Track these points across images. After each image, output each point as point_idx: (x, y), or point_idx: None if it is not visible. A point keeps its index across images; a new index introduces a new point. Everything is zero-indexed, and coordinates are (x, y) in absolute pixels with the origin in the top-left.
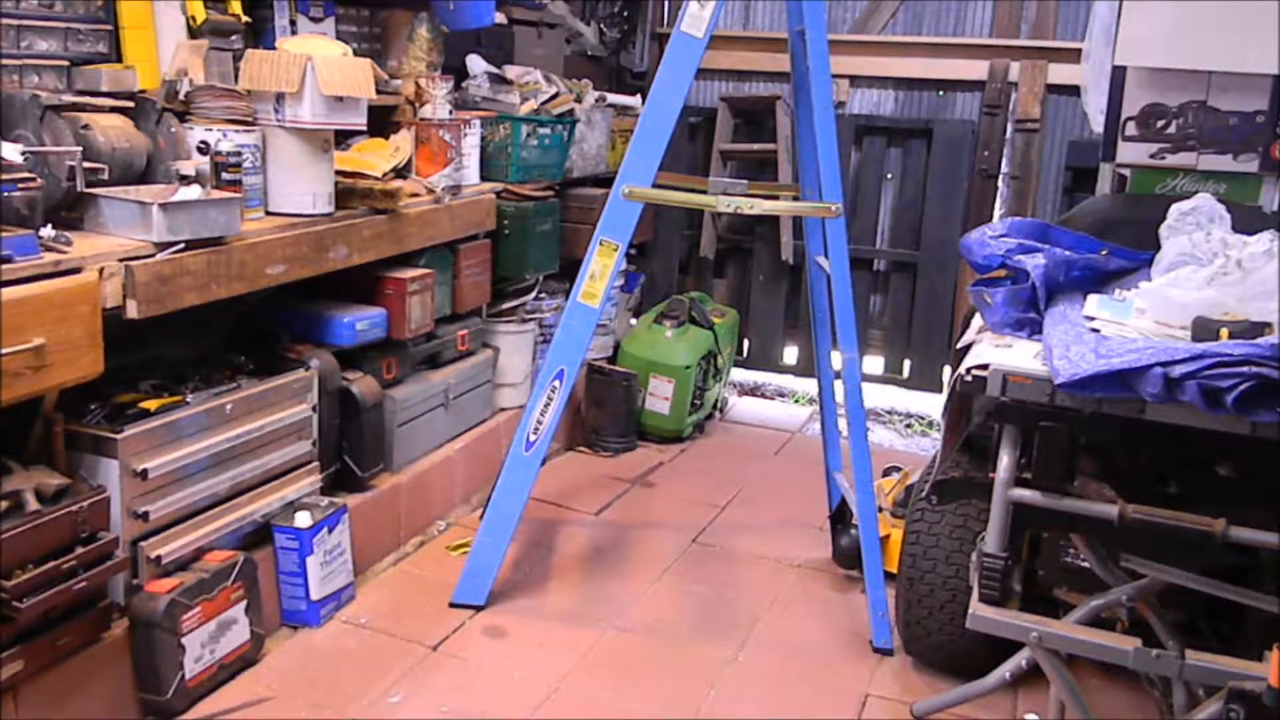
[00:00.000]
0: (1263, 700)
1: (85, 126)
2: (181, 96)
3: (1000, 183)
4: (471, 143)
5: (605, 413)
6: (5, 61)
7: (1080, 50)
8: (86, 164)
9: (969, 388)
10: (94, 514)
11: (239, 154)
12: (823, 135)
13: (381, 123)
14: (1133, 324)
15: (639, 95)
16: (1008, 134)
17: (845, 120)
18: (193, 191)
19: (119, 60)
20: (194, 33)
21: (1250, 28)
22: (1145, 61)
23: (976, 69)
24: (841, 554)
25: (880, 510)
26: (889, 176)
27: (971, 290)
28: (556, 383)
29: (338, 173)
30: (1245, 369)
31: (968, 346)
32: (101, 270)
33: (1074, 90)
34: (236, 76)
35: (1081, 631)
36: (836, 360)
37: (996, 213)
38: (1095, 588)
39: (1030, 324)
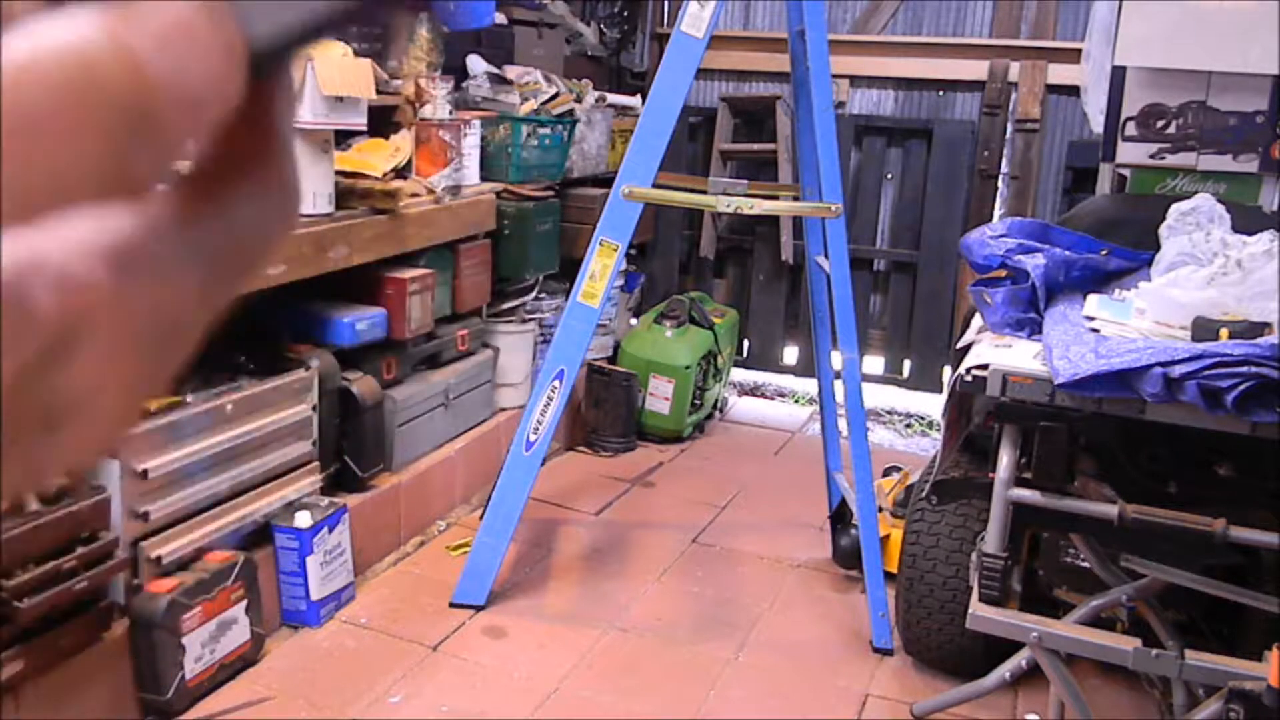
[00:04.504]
0: (1263, 700)
1: None
2: None
3: (1000, 183)
4: (471, 143)
5: (605, 413)
6: None
7: (1080, 50)
8: None
9: (969, 388)
10: (94, 514)
11: None
12: (823, 135)
13: (381, 123)
14: (1133, 324)
15: (639, 95)
16: (1008, 134)
17: (845, 120)
18: None
19: None
20: None
21: (1250, 28)
22: (1145, 61)
23: (976, 69)
24: (841, 554)
25: (880, 510)
26: (889, 176)
27: (971, 290)
28: (556, 383)
29: (338, 173)
30: (1245, 369)
31: (968, 346)
32: None
33: (1074, 90)
34: None
35: (1081, 631)
36: (836, 360)
37: (996, 213)
38: (1095, 588)
39: (1030, 324)
